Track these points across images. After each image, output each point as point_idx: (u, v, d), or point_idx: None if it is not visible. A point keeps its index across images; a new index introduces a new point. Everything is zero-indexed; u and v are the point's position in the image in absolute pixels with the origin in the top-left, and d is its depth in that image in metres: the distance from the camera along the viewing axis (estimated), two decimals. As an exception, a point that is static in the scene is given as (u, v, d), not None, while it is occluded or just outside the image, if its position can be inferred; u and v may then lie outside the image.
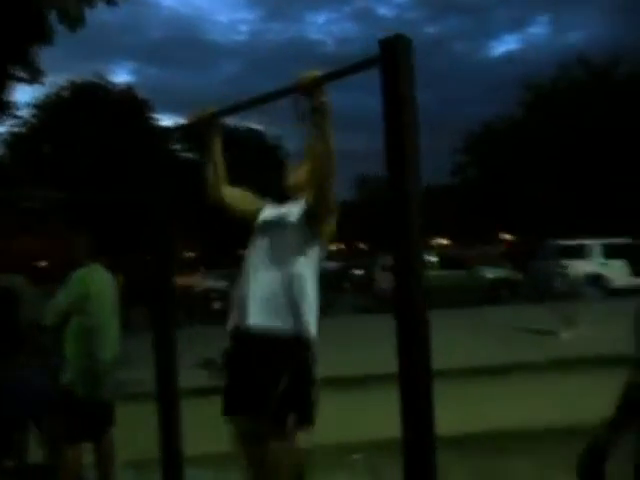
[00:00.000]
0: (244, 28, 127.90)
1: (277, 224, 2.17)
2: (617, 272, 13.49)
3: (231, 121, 26.39)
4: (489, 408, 4.81)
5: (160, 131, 2.57)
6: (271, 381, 2.01)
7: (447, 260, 13.94)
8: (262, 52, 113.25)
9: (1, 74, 6.13)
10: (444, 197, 34.78)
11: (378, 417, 4.71)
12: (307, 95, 1.86)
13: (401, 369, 1.61)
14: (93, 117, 21.77)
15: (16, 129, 21.91)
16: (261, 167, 23.92)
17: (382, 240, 27.05)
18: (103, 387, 3.14)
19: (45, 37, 3.46)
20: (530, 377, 6.11)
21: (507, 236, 33.51)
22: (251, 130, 30.79)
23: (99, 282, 3.22)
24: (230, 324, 2.19)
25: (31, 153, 21.74)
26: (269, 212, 2.27)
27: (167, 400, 2.30)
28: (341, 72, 1.77)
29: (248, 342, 2.10)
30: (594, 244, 14.16)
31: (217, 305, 13.35)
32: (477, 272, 14.13)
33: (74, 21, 3.52)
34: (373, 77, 1.74)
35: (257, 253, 2.16)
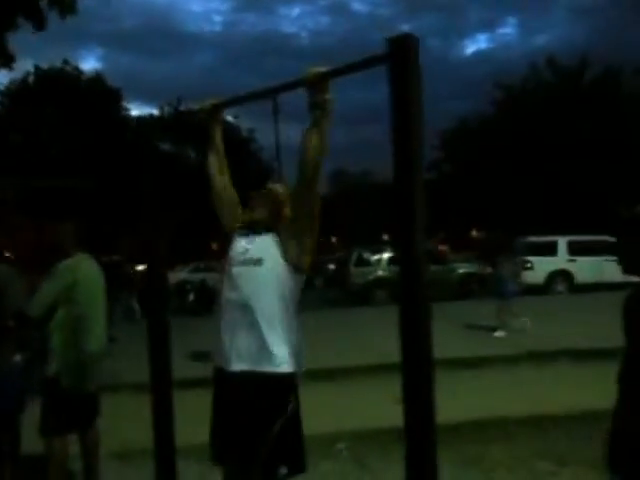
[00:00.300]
0: (217, 19, 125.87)
1: (249, 261, 2.08)
2: (583, 268, 13.93)
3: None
4: (466, 397, 4.96)
5: (156, 121, 2.54)
6: (261, 429, 1.95)
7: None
8: (236, 44, 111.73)
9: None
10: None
11: (359, 408, 4.85)
12: (311, 90, 1.87)
13: (404, 358, 1.65)
14: (60, 104, 21.22)
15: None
16: (234, 159, 23.66)
17: (355, 234, 27.15)
18: (89, 378, 3.11)
19: (40, 21, 3.35)
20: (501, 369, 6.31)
21: (475, 232, 34.15)
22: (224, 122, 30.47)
23: (86, 271, 3.17)
24: (215, 363, 2.13)
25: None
26: (241, 247, 2.15)
27: (161, 392, 2.30)
28: (347, 69, 1.79)
29: (234, 388, 2.03)
30: (561, 241, 14.59)
31: (192, 297, 13.29)
32: (452, 267, 14.42)
33: (67, 8, 3.43)
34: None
35: (231, 290, 2.08)
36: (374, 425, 4.25)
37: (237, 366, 2.01)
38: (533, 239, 15.13)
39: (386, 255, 14.58)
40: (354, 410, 4.76)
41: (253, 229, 2.17)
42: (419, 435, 1.64)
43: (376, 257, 14.59)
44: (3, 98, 22.22)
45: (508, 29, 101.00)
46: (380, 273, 14.14)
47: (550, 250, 14.36)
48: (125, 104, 25.25)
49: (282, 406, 1.99)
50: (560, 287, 13.86)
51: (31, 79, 22.29)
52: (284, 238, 2.08)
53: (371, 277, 14.06)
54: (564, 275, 13.95)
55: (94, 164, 19.06)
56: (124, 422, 4.74)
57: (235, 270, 2.09)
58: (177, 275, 15.98)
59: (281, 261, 2.05)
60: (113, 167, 19.48)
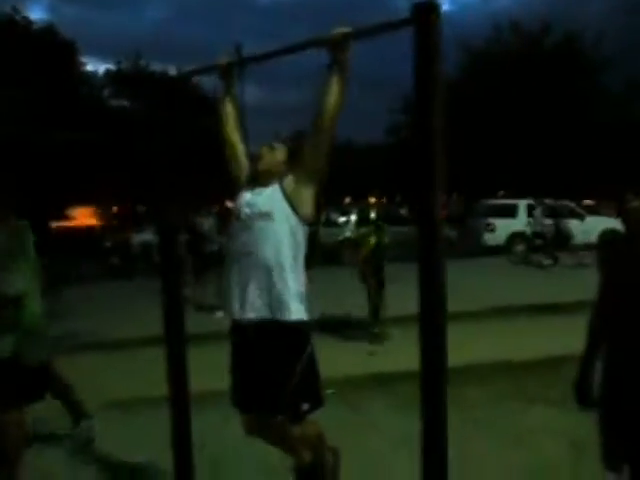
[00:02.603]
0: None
1: (258, 215, 2.16)
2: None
3: (157, 67, 25.32)
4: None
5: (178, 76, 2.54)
6: (281, 375, 2.07)
7: (391, 217, 14.38)
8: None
9: None
10: (380, 156, 35.42)
11: (338, 358, 5.10)
12: (333, 49, 1.93)
13: (422, 308, 1.78)
14: (9, 55, 19.97)
15: None
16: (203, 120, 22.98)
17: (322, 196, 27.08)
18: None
19: None
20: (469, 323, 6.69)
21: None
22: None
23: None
24: (229, 315, 2.21)
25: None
26: (248, 200, 2.23)
27: (175, 344, 2.39)
28: (370, 30, 1.86)
29: (250, 337, 2.13)
30: (520, 204, 15.12)
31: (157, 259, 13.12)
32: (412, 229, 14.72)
33: None
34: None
35: (241, 244, 2.17)
36: (355, 372, 4.62)
37: (251, 315, 2.10)
38: (494, 202, 15.61)
39: (353, 217, 14.77)
40: (334, 359, 5.01)
41: (259, 181, 2.26)
42: (435, 378, 1.79)
43: (344, 219, 14.77)
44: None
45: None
46: (347, 234, 14.37)
47: (511, 213, 14.88)
48: (79, 58, 24.06)
49: (299, 352, 2.11)
50: (520, 248, 14.43)
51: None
52: (289, 190, 2.16)
53: (339, 238, 14.26)
54: (523, 237, 14.50)
55: (47, 119, 18.20)
56: (111, 376, 4.94)
57: (244, 223, 2.17)
58: (142, 236, 15.69)
59: (288, 212, 2.14)
60: (68, 123, 18.70)
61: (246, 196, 2.24)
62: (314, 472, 2.30)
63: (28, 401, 2.87)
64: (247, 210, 2.19)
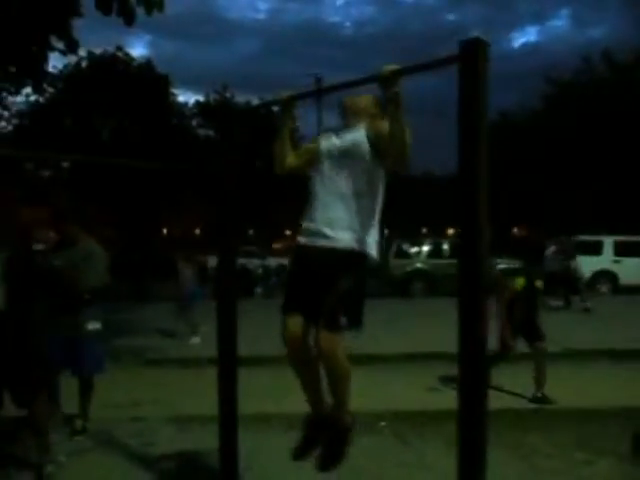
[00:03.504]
0: (262, 7, 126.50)
1: (341, 153, 2.28)
2: (628, 269, 13.57)
3: (242, 98, 26.71)
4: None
5: (240, 110, 2.72)
6: (331, 284, 2.16)
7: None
8: (280, 32, 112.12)
9: (43, 44, 6.26)
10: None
11: (397, 391, 5.05)
12: (383, 86, 1.99)
13: (461, 344, 1.75)
14: (112, 90, 21.88)
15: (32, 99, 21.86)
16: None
17: (395, 226, 26.89)
18: None
19: (130, 17, 3.42)
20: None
21: (517, 229, 33.44)
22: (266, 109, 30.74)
23: None
24: (300, 241, 2.34)
25: (51, 124, 21.84)
26: (330, 142, 2.35)
27: (227, 365, 2.49)
28: (419, 67, 1.91)
29: (315, 253, 2.25)
30: (607, 241, 14.23)
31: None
32: (490, 262, 14.24)
33: (155, 4, 3.51)
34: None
35: (324, 181, 2.29)
36: (411, 407, 4.50)
37: (323, 241, 2.24)
38: (577, 238, 14.76)
39: (425, 247, 14.55)
40: (392, 393, 4.98)
41: (346, 127, 2.35)
42: (473, 419, 1.75)
43: (415, 249, 14.58)
44: (57, 82, 22.99)
45: (559, 21, 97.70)
46: (419, 265, 14.14)
47: (595, 250, 14.03)
48: (172, 90, 25.91)
49: (353, 269, 2.21)
50: (604, 288, 13.54)
51: (84, 64, 23.06)
52: (372, 132, 2.23)
53: (409, 269, 14.07)
54: (608, 276, 13.61)
55: (144, 149, 19.65)
56: (171, 392, 5.16)
57: (324, 163, 2.30)
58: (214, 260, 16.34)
59: (368, 153, 2.23)
60: (159, 150, 20.05)
61: (327, 137, 2.38)
62: (329, 422, 2.32)
63: None
64: (330, 148, 2.31)
